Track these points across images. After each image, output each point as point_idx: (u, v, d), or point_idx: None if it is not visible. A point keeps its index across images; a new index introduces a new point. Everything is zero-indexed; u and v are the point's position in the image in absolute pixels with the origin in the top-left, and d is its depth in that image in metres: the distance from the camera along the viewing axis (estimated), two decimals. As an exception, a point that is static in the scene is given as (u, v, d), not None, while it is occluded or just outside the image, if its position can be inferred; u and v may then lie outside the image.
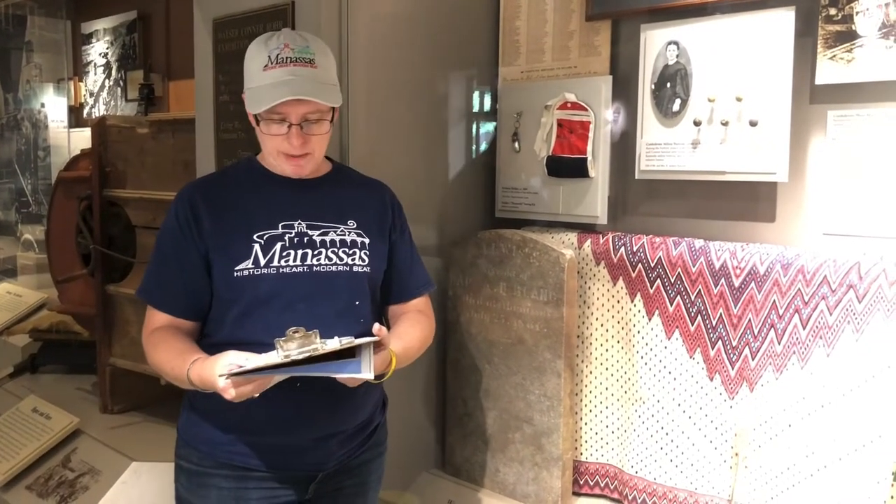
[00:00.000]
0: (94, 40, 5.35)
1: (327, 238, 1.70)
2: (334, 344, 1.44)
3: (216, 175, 1.88)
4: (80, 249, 3.44)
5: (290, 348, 1.42)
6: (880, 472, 1.90)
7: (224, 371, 1.44)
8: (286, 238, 1.67)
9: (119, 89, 5.15)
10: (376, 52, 2.38)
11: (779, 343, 2.05)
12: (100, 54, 5.30)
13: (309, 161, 1.70)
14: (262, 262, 1.63)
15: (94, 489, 2.78)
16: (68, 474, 2.91)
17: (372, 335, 1.51)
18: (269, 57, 1.63)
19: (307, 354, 1.41)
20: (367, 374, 1.46)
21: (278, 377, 1.51)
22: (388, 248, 1.81)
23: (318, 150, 1.71)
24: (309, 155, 1.68)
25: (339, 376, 1.48)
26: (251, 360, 1.44)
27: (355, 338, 1.47)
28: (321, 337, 1.45)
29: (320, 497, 1.77)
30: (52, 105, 5.81)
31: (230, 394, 1.43)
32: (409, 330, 1.79)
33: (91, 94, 5.43)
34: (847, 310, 1.94)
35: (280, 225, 1.68)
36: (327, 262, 1.68)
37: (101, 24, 5.26)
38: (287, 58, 1.62)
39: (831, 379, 1.97)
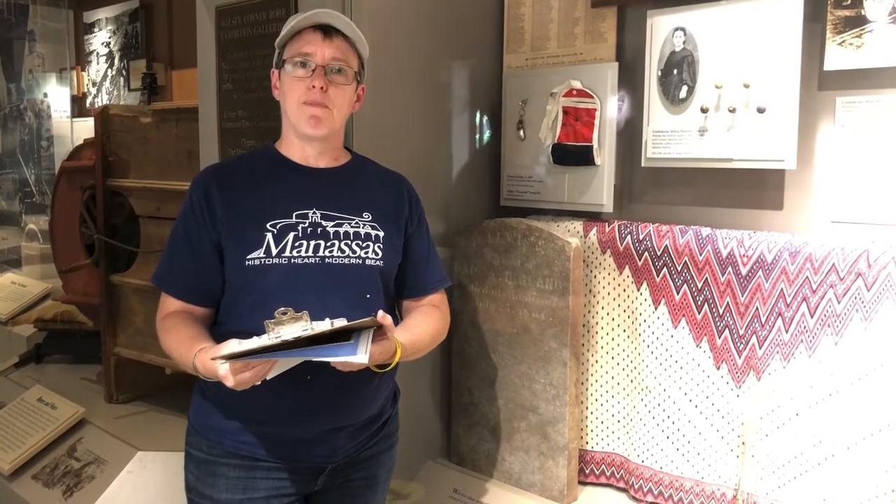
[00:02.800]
0: (96, 29, 5.33)
1: (341, 230, 1.69)
2: (325, 325, 1.42)
3: (232, 161, 1.88)
4: (84, 239, 3.44)
5: (281, 330, 1.40)
6: (888, 460, 1.89)
7: (217, 354, 1.43)
8: (299, 228, 1.66)
9: (122, 79, 5.14)
10: (379, 39, 2.36)
11: (786, 332, 2.04)
12: (102, 43, 5.29)
13: (328, 118, 1.67)
14: (274, 251, 1.63)
15: (99, 479, 2.78)
16: (74, 464, 2.92)
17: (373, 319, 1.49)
18: (304, 15, 1.68)
19: (297, 335, 1.38)
20: (361, 357, 1.40)
21: (278, 366, 1.49)
22: (404, 241, 1.80)
23: (338, 109, 1.69)
24: (328, 109, 1.66)
25: (333, 360, 1.43)
26: (244, 343, 1.43)
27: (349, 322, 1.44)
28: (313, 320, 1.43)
29: (329, 489, 1.76)
30: (55, 95, 5.80)
31: (230, 381, 1.43)
32: (420, 323, 1.78)
33: (94, 84, 5.42)
34: (855, 298, 1.93)
35: (294, 214, 1.67)
36: (339, 254, 1.66)
37: (103, 14, 5.24)
38: (321, 12, 1.68)
39: (839, 367, 1.96)
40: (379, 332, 1.51)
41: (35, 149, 5.94)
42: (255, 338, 1.43)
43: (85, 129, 4.89)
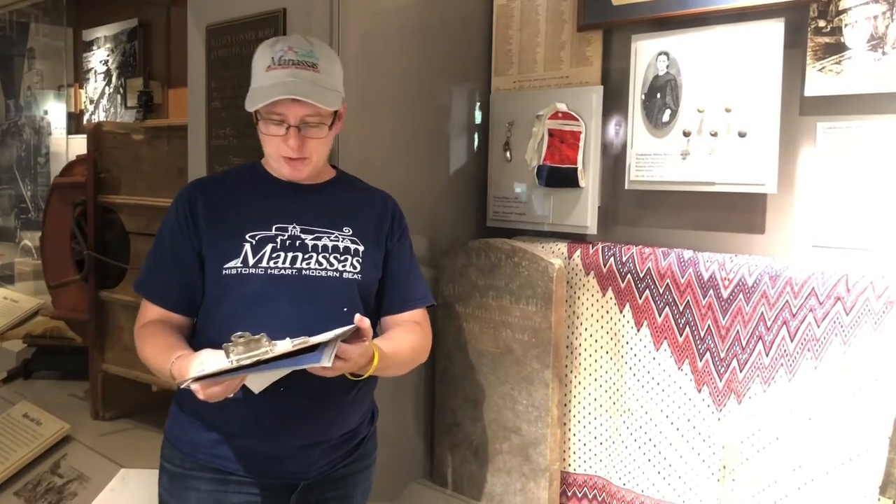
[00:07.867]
0: (95, 48, 5.38)
1: (320, 243, 1.70)
2: (285, 346, 1.42)
3: (220, 175, 1.92)
4: (74, 255, 3.44)
5: (239, 353, 1.40)
6: (867, 486, 1.88)
7: (189, 375, 1.45)
8: (278, 240, 1.68)
9: (119, 96, 5.17)
10: (367, 60, 2.38)
11: (766, 355, 2.04)
12: (100, 61, 5.33)
13: (307, 165, 1.70)
14: (251, 261, 1.65)
15: (82, 496, 2.77)
16: (57, 481, 2.90)
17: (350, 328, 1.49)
18: (273, 58, 1.65)
19: (256, 358, 1.39)
20: (324, 362, 1.40)
21: (259, 380, 1.51)
22: (384, 255, 1.81)
23: (317, 155, 1.71)
24: (307, 159, 1.68)
25: (298, 367, 1.44)
26: (207, 366, 1.45)
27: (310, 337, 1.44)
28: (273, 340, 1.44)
29: None
30: (52, 111, 5.84)
31: (200, 394, 1.44)
32: (398, 335, 1.77)
33: (91, 101, 5.46)
34: (834, 322, 1.93)
35: (274, 227, 1.69)
36: (317, 266, 1.68)
37: (102, 32, 5.29)
38: (290, 60, 1.64)
39: (819, 392, 1.95)
40: (356, 335, 1.51)
41: (32, 165, 5.97)
42: (217, 359, 1.44)
43: (80, 145, 4.91)
